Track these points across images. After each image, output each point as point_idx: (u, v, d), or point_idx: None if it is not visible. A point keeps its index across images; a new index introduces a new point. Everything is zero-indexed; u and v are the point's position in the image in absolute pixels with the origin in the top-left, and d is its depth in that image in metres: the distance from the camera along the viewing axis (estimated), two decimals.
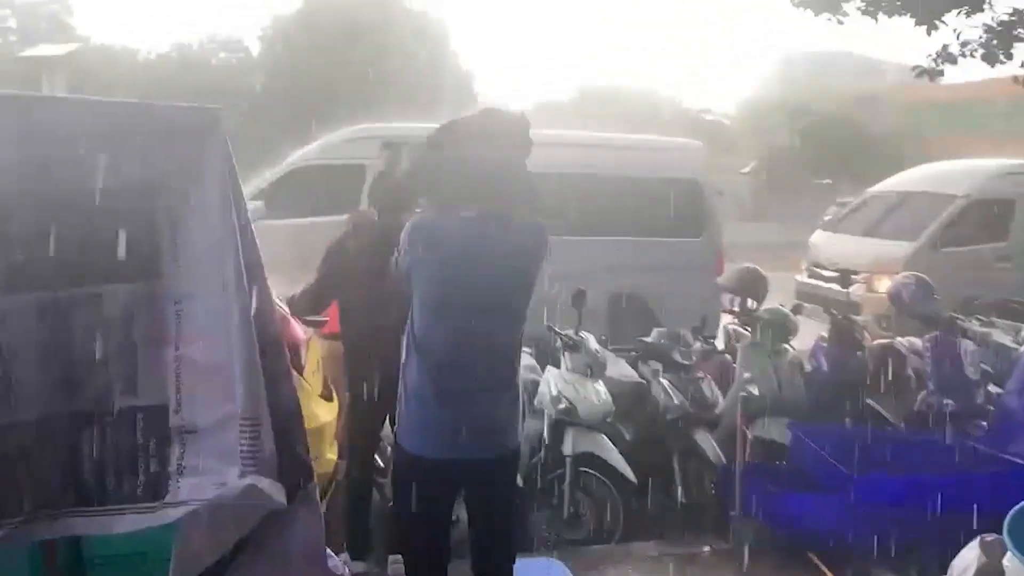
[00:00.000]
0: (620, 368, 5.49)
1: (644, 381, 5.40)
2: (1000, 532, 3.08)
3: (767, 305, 5.80)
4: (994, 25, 9.56)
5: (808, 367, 5.64)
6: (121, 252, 2.23)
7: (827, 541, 4.35)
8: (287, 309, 4.03)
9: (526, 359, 5.38)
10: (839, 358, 5.64)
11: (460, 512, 3.36)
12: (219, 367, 2.27)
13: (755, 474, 4.67)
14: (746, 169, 30.97)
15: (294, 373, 4.24)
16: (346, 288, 4.14)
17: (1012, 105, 22.64)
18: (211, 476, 2.25)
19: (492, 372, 2.93)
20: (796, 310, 5.89)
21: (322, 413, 4.36)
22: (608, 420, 4.90)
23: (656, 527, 4.85)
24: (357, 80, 25.19)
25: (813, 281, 10.49)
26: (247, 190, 9.00)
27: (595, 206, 8.65)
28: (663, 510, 4.92)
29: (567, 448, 4.65)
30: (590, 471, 4.69)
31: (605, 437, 4.78)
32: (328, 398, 4.39)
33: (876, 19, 9.62)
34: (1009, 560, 3.00)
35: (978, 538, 3.50)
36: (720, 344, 6.35)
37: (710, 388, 5.17)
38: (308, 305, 4.24)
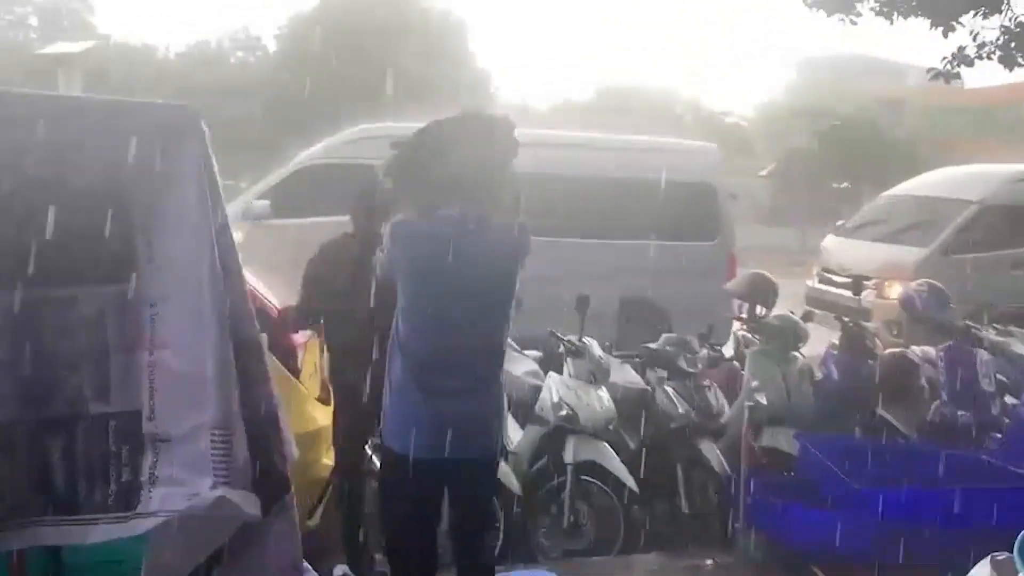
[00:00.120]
0: (625, 374, 5.40)
1: (650, 388, 5.31)
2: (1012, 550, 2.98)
3: (777, 311, 5.68)
4: (1012, 27, 9.36)
5: (819, 375, 5.53)
6: (94, 253, 2.18)
7: (833, 556, 4.24)
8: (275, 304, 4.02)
9: (529, 364, 5.32)
10: (850, 367, 5.52)
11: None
12: (194, 373, 2.21)
13: (760, 485, 4.57)
14: (764, 172, 30.81)
15: (290, 376, 4.25)
16: (329, 309, 4.11)
17: None
18: (183, 487, 2.19)
19: (474, 371, 2.98)
20: (806, 317, 5.77)
21: (319, 416, 4.30)
22: (611, 427, 4.82)
23: (658, 538, 4.76)
24: (374, 79, 25.18)
25: (824, 287, 10.36)
26: (260, 189, 9.03)
27: (607, 209, 8.64)
28: (666, 521, 4.85)
29: (568, 456, 4.56)
30: (591, 480, 4.60)
31: (607, 445, 4.69)
32: (326, 401, 4.34)
33: (891, 20, 9.46)
34: None
35: (989, 556, 3.39)
36: (730, 351, 6.26)
37: (715, 396, 5.08)
38: (296, 325, 4.31)
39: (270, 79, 27.97)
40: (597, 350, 5.00)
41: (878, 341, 5.86)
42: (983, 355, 5.32)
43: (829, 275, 10.40)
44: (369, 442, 4.14)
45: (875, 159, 26.04)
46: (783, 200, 29.50)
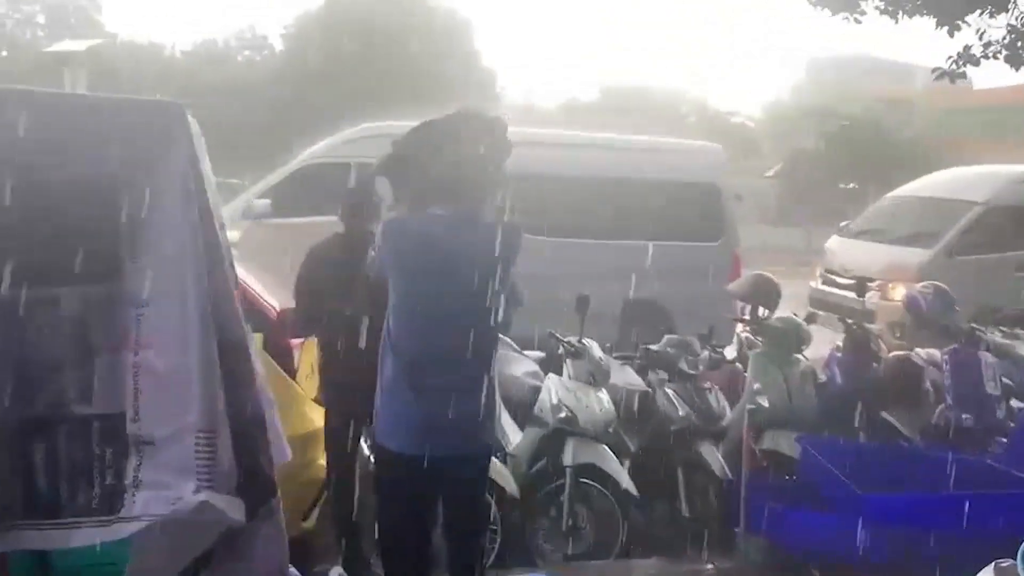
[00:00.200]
0: (626, 375, 5.34)
1: (651, 390, 5.25)
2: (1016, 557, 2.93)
3: (780, 313, 5.63)
4: (1019, 26, 9.28)
5: (822, 377, 5.47)
6: (78, 252, 2.14)
7: (835, 560, 4.18)
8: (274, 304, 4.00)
9: (529, 364, 5.27)
10: (854, 369, 5.46)
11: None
12: (179, 374, 2.17)
13: (762, 489, 4.51)
14: (770, 172, 30.72)
15: (287, 377, 4.21)
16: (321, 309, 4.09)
17: None
18: (167, 490, 2.15)
19: (465, 369, 2.97)
20: (810, 319, 5.70)
21: (316, 418, 4.27)
22: (611, 430, 4.75)
23: (658, 542, 4.72)
24: (380, 78, 25.23)
25: (828, 288, 10.27)
26: (261, 188, 8.98)
27: (611, 209, 8.59)
28: (666, 524, 4.80)
29: (567, 458, 4.51)
30: (591, 483, 4.54)
31: (607, 448, 4.63)
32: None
33: (896, 19, 9.38)
34: None
35: (993, 563, 3.33)
36: (733, 353, 6.20)
37: (716, 399, 5.02)
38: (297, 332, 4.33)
39: (276, 78, 27.98)
40: (597, 351, 4.94)
41: (882, 343, 5.78)
42: (988, 358, 5.24)
43: (833, 276, 10.31)
44: (362, 442, 4.11)
45: (882, 160, 25.92)
46: (789, 201, 29.40)
